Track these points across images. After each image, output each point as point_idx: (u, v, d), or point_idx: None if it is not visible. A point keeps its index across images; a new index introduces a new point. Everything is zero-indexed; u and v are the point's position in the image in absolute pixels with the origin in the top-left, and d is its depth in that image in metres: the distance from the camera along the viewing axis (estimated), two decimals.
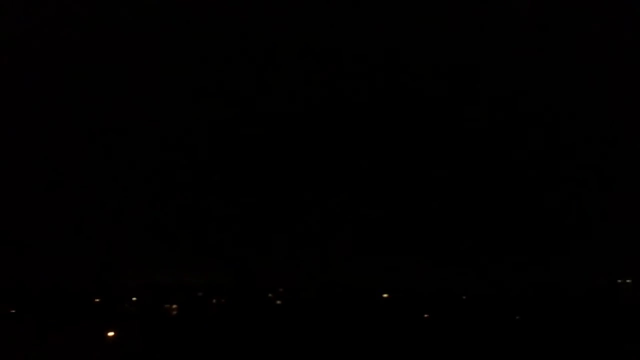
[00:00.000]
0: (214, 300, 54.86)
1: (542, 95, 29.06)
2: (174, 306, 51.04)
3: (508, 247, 30.16)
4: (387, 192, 30.14)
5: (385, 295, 42.21)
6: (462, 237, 31.19)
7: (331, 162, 31.31)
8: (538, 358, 27.77)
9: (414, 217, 30.27)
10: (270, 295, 53.17)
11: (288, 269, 40.73)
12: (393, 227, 30.69)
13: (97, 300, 52.68)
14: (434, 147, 29.63)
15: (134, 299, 53.53)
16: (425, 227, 30.82)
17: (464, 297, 40.38)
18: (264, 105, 30.49)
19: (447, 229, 31.73)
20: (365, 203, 30.17)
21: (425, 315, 36.94)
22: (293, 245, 36.72)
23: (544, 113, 28.64)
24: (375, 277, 34.51)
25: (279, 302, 54.07)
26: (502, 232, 30.70)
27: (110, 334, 41.29)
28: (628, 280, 32.25)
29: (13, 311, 46.76)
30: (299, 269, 39.55)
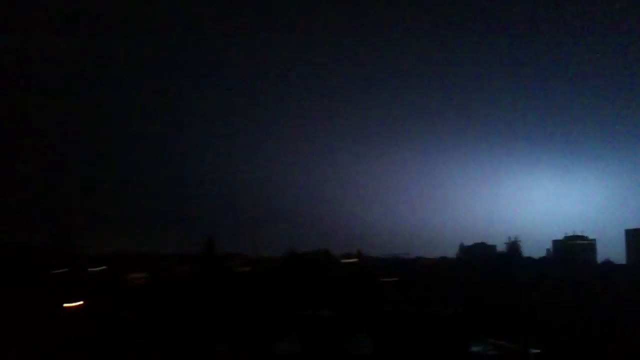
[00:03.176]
0: (179, 269, 55.56)
1: None
2: (140, 274, 51.65)
3: None
4: None
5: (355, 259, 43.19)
6: None
7: None
8: None
9: None
10: (234, 263, 54.19)
11: (254, 238, 41.55)
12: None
13: (63, 269, 52.95)
14: None
15: (101, 267, 54.01)
16: None
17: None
18: None
19: None
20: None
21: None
22: (257, 214, 37.61)
23: None
24: (347, 241, 35.54)
25: (242, 269, 55.06)
26: None
27: (76, 302, 41.65)
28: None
29: None
30: (266, 238, 40.34)
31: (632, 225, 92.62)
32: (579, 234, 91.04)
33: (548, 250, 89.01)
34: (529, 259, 76.77)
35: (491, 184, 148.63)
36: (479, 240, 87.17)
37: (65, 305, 41.86)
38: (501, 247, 76.33)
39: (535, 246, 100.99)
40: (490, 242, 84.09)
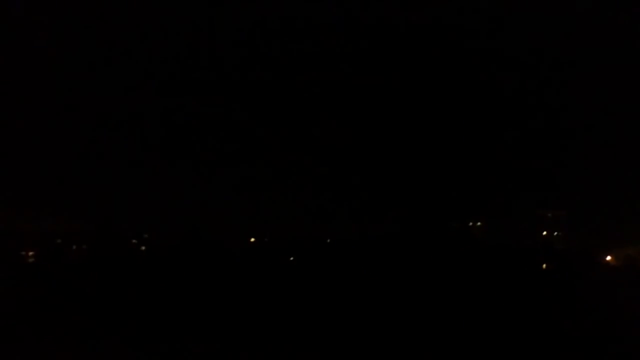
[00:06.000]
0: (74, 247, 53.05)
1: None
2: (31, 253, 49.10)
3: None
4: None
5: (252, 240, 42.94)
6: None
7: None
8: None
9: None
10: (134, 241, 52.27)
11: (155, 215, 40.18)
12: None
13: None
14: None
15: None
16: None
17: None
18: None
19: None
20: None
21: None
22: (158, 191, 36.17)
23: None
24: (245, 222, 35.02)
25: (143, 248, 53.29)
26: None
27: None
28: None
29: None
30: (165, 215, 39.05)
31: None
32: None
33: None
34: None
35: None
36: None
37: None
38: None
39: None
40: None
